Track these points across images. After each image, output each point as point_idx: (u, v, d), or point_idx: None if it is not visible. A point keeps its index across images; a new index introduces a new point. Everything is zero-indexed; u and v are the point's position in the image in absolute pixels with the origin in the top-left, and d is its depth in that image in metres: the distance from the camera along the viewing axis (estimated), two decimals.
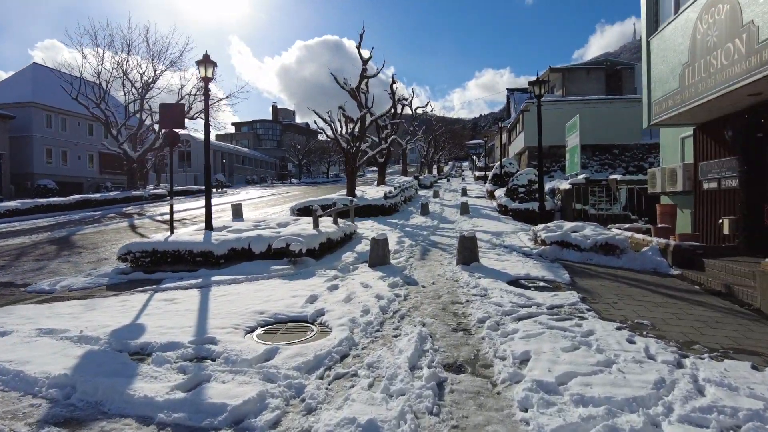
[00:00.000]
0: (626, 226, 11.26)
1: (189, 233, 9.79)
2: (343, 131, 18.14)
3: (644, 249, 8.50)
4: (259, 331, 4.78)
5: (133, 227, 17.01)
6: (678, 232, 9.95)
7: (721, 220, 7.95)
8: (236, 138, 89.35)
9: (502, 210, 17.40)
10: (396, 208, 18.20)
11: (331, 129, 17.52)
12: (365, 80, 18.18)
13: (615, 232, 9.53)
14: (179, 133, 10.40)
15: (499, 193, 19.28)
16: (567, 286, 6.36)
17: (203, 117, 35.82)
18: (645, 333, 4.37)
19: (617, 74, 41.88)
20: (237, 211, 13.30)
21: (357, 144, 18.15)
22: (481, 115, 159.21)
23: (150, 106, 35.06)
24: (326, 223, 10.74)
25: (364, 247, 9.59)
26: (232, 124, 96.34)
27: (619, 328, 4.44)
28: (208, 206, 10.83)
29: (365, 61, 17.77)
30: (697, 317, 4.98)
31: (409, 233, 12.16)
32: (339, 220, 11.89)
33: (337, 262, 8.34)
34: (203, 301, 6.03)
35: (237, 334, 4.61)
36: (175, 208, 25.14)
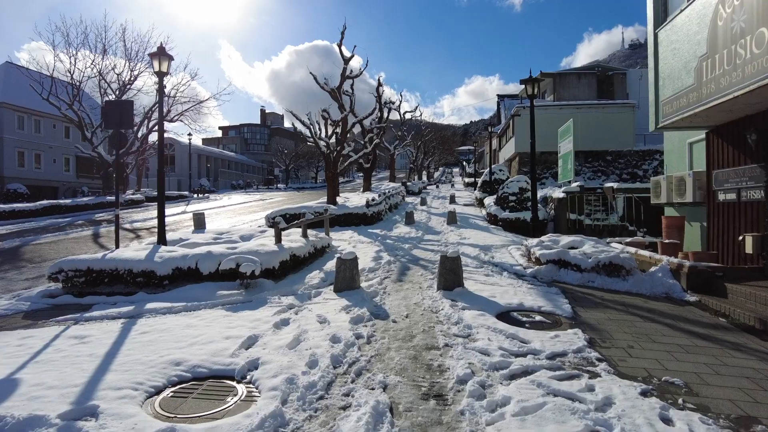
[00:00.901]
0: (627, 240, 10.21)
1: (134, 249, 8.53)
2: (323, 134, 16.95)
3: (653, 269, 7.42)
4: (166, 393, 3.56)
5: (96, 237, 15.61)
6: (687, 248, 8.90)
7: (742, 237, 6.90)
8: (223, 142, 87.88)
9: (492, 219, 16.33)
10: (379, 217, 17.05)
11: (310, 132, 16.34)
12: (347, 80, 17.05)
13: (617, 248, 8.45)
14: (125, 133, 9.12)
15: (489, 201, 18.22)
16: (568, 320, 5.22)
17: (184, 120, 34.09)
18: (681, 402, 3.23)
19: (609, 80, 41.38)
20: (199, 222, 12.02)
21: (338, 148, 16.98)
22: (471, 122, 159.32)
23: (141, 110, 33.65)
24: (296, 236, 9.55)
25: (335, 263, 8.40)
26: (219, 127, 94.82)
27: (644, 393, 3.30)
28: (160, 216, 9.58)
29: (347, 60, 16.65)
30: (741, 371, 3.86)
31: (390, 246, 10.99)
32: (313, 231, 10.70)
33: (299, 285, 7.13)
34: (118, 342, 4.79)
35: (132, 400, 3.39)
36: (145, 215, 23.71)
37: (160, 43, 9.69)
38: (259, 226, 15.36)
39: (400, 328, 4.95)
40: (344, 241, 12.04)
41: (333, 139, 17.27)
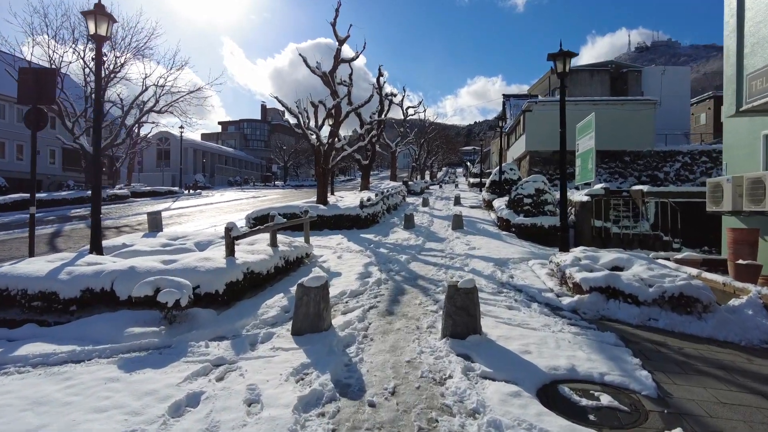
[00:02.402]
0: (678, 256, 8.15)
1: (48, 259, 6.53)
2: (313, 123, 14.93)
3: (736, 303, 5.39)
4: None
5: (55, 236, 13.61)
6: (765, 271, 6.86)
7: None
8: (222, 137, 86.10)
9: (503, 225, 14.29)
10: (375, 219, 15.03)
11: (299, 121, 14.32)
12: (342, 64, 15.03)
13: (687, 272, 6.40)
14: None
15: (499, 203, 16.18)
16: (656, 405, 3.20)
17: (173, 111, 32.18)
18: None
19: (623, 77, 39.40)
20: (154, 223, 10.00)
21: (330, 140, 14.97)
22: (475, 122, 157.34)
23: (122, 98, 31.62)
24: (263, 245, 7.54)
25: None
26: (219, 123, 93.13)
27: None
28: (94, 217, 7.58)
29: (341, 41, 14.64)
30: None
31: (383, 258, 8.98)
32: (292, 238, 8.72)
33: (248, 319, 5.11)
34: None
35: None
36: (125, 212, 21.71)
37: (98, 1, 7.68)
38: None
39: (379, 423, 2.92)
40: (329, 249, 10.04)
41: (327, 132, 15.31)
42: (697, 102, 41.95)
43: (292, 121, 14.42)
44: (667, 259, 8.20)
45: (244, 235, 6.37)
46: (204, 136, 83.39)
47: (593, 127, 15.18)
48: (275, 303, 5.65)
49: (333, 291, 6.25)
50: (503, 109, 47.65)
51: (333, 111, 14.83)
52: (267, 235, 7.87)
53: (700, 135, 38.86)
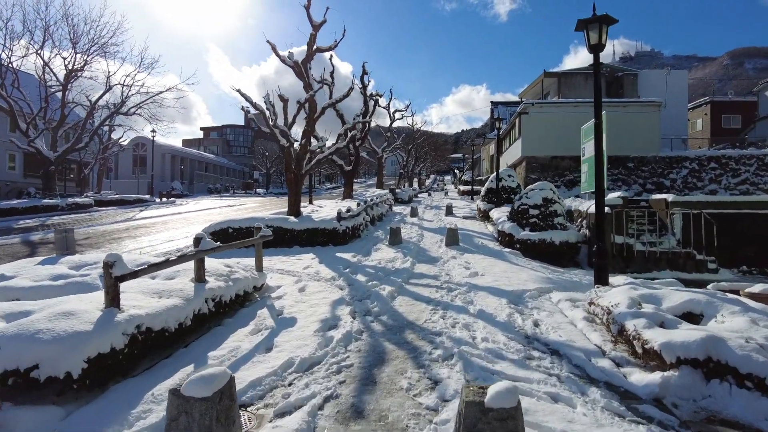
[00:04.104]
0: (752, 289, 6.08)
1: None
2: (282, 121, 12.72)
3: None
4: None
5: None
6: None
7: None
8: (205, 144, 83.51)
9: (505, 240, 12.22)
10: (356, 233, 12.86)
11: (264, 117, 12.12)
12: (316, 53, 12.88)
13: None
14: None
15: (498, 215, 14.13)
16: None
17: (142, 114, 29.63)
18: None
19: (618, 81, 38.04)
20: (63, 244, 7.60)
21: (303, 141, 12.78)
22: (463, 130, 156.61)
23: (91, 100, 28.98)
24: (185, 279, 5.32)
25: (243, 341, 4.22)
26: (201, 128, 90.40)
27: None
28: None
29: (316, 27, 12.52)
30: None
31: (361, 289, 6.80)
32: (251, 259, 6.50)
33: (113, 428, 2.90)
34: None
35: None
36: (82, 223, 19.11)
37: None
38: (179, 249, 11.21)
39: None
40: (292, 276, 7.82)
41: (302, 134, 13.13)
42: (693, 107, 40.75)
43: (257, 114, 12.21)
44: (735, 292, 6.16)
45: (140, 272, 4.14)
46: (185, 142, 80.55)
47: (603, 128, 13.29)
48: (157, 395, 3.42)
49: (275, 360, 4.05)
50: (491, 116, 46.09)
51: (307, 106, 12.64)
52: (214, 261, 5.64)
53: (700, 141, 37.57)
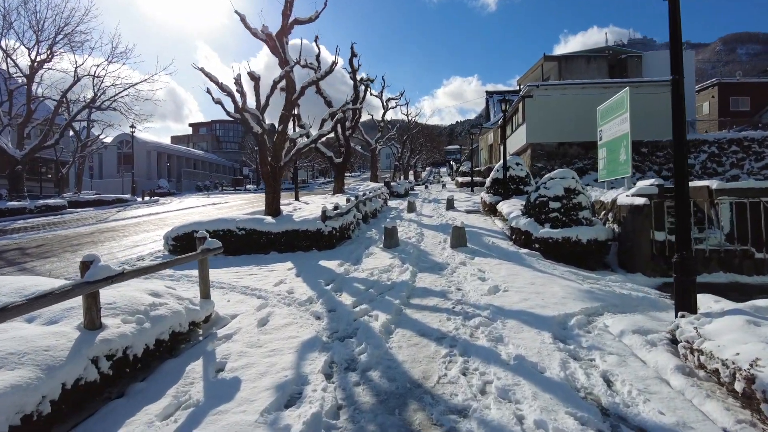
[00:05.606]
0: None
1: None
2: (253, 104, 10.79)
3: None
4: None
5: None
6: None
7: None
8: (194, 140, 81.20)
9: (520, 239, 10.38)
10: (345, 234, 11.00)
11: (232, 100, 10.19)
12: (295, 25, 10.93)
13: None
14: None
15: (509, 209, 12.30)
16: None
17: (120, 109, 27.39)
18: None
19: (621, 64, 36.27)
20: None
21: (281, 127, 10.86)
22: (457, 122, 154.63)
23: (70, 97, 26.79)
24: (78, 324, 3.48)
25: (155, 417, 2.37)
26: (190, 124, 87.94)
27: None
28: None
29: None
30: None
31: (344, 319, 4.96)
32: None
33: None
34: None
35: None
36: (47, 227, 16.95)
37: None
38: (141, 257, 9.32)
39: None
40: (256, 297, 5.95)
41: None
42: (699, 90, 38.96)
43: (228, 104, 10.28)
44: None
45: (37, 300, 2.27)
46: (174, 139, 78.14)
47: (626, 106, 11.52)
48: None
49: None
50: (486, 106, 44.08)
51: (284, 86, 10.69)
52: (119, 291, 3.75)
53: (707, 125, 35.83)
